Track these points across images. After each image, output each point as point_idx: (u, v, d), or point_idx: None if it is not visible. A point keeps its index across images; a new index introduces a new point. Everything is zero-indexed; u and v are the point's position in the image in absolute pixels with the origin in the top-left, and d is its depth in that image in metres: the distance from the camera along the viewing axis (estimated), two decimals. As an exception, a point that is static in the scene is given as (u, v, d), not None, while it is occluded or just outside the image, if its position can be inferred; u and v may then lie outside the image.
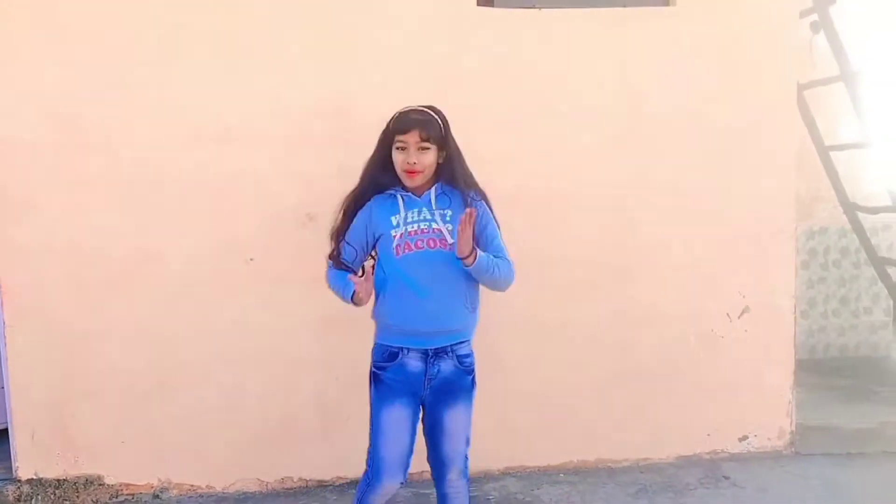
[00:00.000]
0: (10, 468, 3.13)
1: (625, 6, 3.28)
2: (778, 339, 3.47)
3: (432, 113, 2.16)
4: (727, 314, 3.44)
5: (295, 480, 3.25)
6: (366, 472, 2.22)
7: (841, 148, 4.45)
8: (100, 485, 3.14)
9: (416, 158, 2.09)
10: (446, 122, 2.19)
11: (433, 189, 2.18)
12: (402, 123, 2.11)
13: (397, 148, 2.12)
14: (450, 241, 2.10)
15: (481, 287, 2.22)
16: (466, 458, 2.24)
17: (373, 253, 2.29)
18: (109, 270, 3.09)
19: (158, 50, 3.05)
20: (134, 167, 3.07)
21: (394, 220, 2.14)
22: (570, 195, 3.28)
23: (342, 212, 2.29)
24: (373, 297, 2.25)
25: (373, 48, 3.14)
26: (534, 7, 3.22)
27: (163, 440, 3.16)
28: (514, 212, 3.19)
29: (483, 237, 2.17)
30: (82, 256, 3.07)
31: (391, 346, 2.15)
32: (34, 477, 3.11)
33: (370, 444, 2.21)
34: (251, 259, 3.15)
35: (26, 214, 3.03)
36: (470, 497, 2.31)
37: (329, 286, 2.35)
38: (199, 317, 3.14)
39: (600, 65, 3.27)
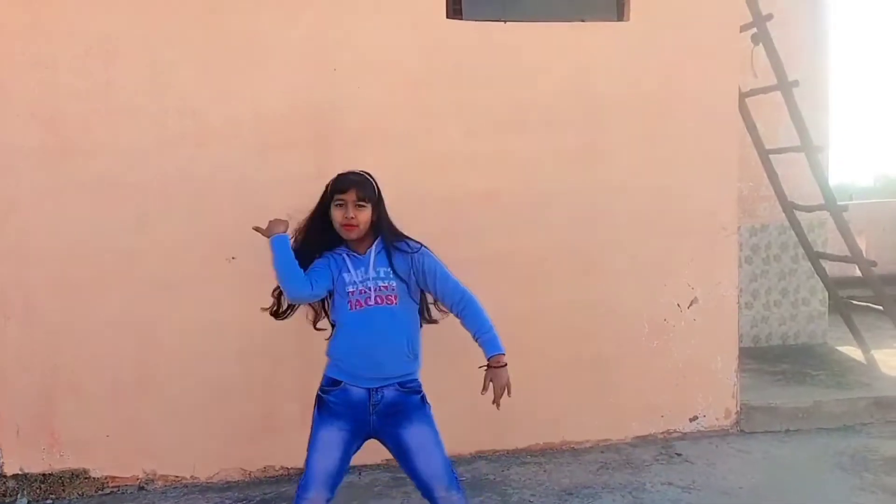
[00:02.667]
0: (-5, 464, 3.20)
1: (583, 20, 3.53)
2: (723, 328, 3.79)
3: (367, 176, 2.34)
4: (678, 305, 3.73)
5: (277, 469, 3.40)
6: (297, 491, 2.22)
7: (779, 151, 4.82)
8: (85, 478, 3.24)
9: (354, 213, 2.24)
10: (378, 185, 2.35)
11: (373, 248, 2.30)
12: (341, 183, 2.28)
13: (336, 205, 2.27)
14: (395, 299, 2.25)
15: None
16: (452, 472, 2.27)
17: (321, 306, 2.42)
18: (93, 269, 3.19)
19: (139, 54, 3.16)
20: (116, 169, 3.18)
21: (347, 277, 2.27)
22: (531, 194, 3.51)
23: (304, 230, 2.40)
24: (327, 333, 2.37)
25: (350, 56, 3.32)
26: (500, 20, 3.44)
27: (147, 433, 3.27)
28: (483, 211, 3.44)
29: (435, 279, 2.30)
30: (66, 255, 3.16)
31: (336, 378, 2.27)
32: (19, 472, 3.19)
33: (306, 461, 2.22)
34: (233, 258, 3.29)
35: (10, 214, 3.11)
36: None
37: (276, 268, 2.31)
38: (181, 313, 3.26)
39: (561, 74, 3.52)
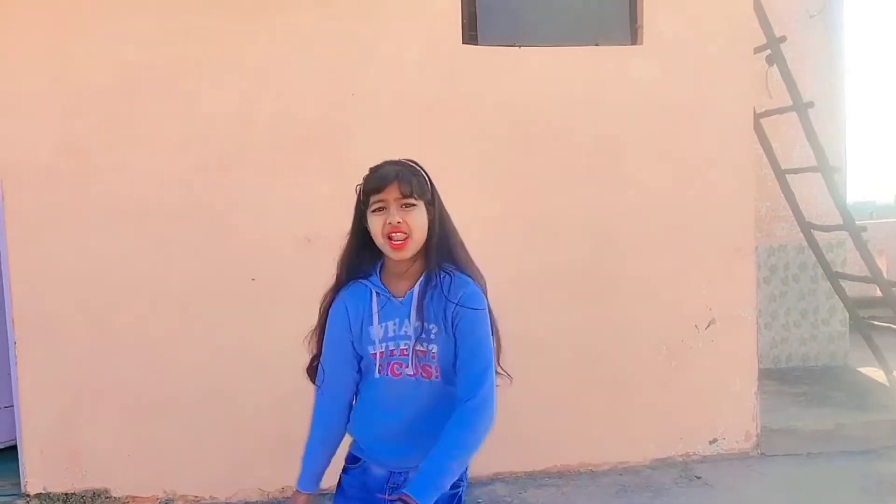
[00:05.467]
0: (20, 483, 3.25)
1: (597, 45, 3.58)
2: (742, 348, 3.76)
3: (412, 164, 1.63)
4: (696, 326, 3.72)
5: (294, 489, 3.41)
6: None
7: (795, 171, 4.80)
8: (106, 498, 3.28)
9: (401, 217, 1.53)
10: (430, 179, 1.64)
11: (417, 288, 1.59)
12: (376, 179, 1.56)
13: (374, 211, 1.55)
14: (435, 371, 1.58)
15: None
16: None
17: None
18: (115, 292, 3.26)
19: (161, 82, 3.26)
20: (138, 194, 3.26)
21: (372, 333, 1.61)
22: (552, 218, 3.54)
23: (321, 311, 1.71)
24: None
25: (368, 80, 3.39)
26: (514, 45, 3.50)
27: (167, 453, 3.31)
28: (500, 235, 3.46)
29: (463, 349, 1.58)
30: (90, 278, 3.24)
31: (356, 455, 1.74)
32: (42, 491, 3.24)
33: None
34: (253, 279, 3.34)
35: (36, 239, 3.20)
36: None
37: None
38: (202, 334, 3.31)
39: (576, 97, 3.56)
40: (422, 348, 1.57)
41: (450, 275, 1.59)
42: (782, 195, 4.91)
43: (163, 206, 3.27)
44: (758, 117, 4.62)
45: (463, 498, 1.71)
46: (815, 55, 5.33)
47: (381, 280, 1.63)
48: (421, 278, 1.59)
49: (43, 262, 3.20)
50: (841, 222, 4.67)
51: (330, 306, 1.67)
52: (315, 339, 1.72)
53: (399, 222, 1.53)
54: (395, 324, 1.60)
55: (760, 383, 3.85)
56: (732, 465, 3.67)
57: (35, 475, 3.23)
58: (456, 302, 1.55)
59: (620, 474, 3.58)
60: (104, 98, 3.22)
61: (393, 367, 1.60)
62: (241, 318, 3.33)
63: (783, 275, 5.40)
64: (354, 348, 1.65)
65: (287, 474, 3.40)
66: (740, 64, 3.74)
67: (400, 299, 1.60)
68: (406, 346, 1.58)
